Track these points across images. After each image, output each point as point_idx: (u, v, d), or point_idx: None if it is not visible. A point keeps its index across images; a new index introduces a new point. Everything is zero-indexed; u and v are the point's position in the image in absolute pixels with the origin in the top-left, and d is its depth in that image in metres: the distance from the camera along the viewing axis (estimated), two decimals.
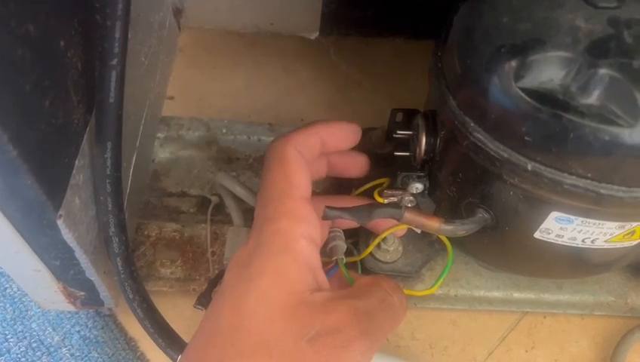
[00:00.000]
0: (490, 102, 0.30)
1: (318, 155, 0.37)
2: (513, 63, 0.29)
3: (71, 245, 0.33)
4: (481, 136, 0.31)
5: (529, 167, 0.30)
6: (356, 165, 0.42)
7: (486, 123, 0.31)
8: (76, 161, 0.31)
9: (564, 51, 0.28)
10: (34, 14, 0.25)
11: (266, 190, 0.34)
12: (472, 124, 0.31)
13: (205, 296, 0.39)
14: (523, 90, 0.29)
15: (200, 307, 0.39)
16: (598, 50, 0.28)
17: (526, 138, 0.29)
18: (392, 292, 0.34)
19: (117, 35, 0.29)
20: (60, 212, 0.30)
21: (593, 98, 0.28)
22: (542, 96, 0.28)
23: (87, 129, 0.33)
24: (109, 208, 0.35)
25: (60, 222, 0.30)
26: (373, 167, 0.42)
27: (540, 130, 0.29)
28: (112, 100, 0.31)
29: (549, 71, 0.28)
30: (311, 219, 0.32)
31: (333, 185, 0.49)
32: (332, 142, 0.38)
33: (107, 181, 0.34)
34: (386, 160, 0.43)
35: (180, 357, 0.37)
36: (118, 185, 0.34)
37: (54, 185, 0.29)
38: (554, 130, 0.28)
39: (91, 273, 0.37)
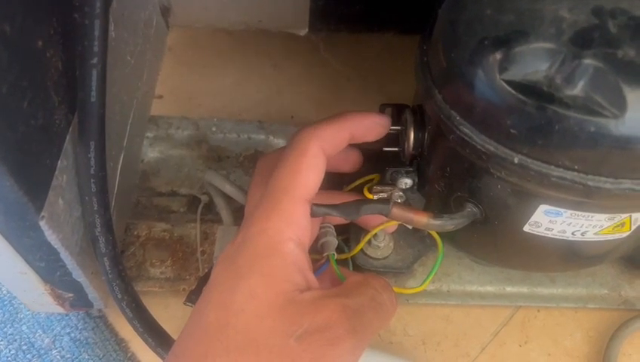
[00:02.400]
0: (475, 96, 0.30)
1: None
2: (497, 55, 0.28)
3: (55, 246, 0.33)
4: (467, 129, 0.31)
5: (515, 160, 0.30)
6: (349, 160, 0.42)
7: (471, 116, 0.31)
8: (59, 162, 0.31)
9: (548, 42, 0.28)
10: (9, 14, 0.25)
11: (271, 180, 0.33)
12: (457, 118, 0.31)
13: (195, 293, 0.39)
14: (507, 82, 0.28)
15: (190, 304, 0.39)
16: (582, 41, 0.28)
17: (512, 131, 0.29)
18: (382, 291, 0.33)
19: (96, 33, 0.29)
20: (43, 213, 0.30)
21: (578, 89, 0.27)
22: (526, 88, 0.28)
23: (70, 129, 0.32)
24: (95, 208, 0.34)
25: (42, 224, 0.30)
26: (364, 162, 0.42)
27: (525, 122, 0.28)
28: (93, 99, 0.31)
29: (533, 62, 0.28)
30: (301, 222, 0.32)
31: (324, 182, 0.49)
32: (361, 136, 0.37)
33: (92, 181, 0.33)
34: (376, 156, 0.42)
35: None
36: (104, 185, 0.34)
37: (35, 186, 0.29)
38: (539, 122, 0.28)
39: (78, 274, 0.37)
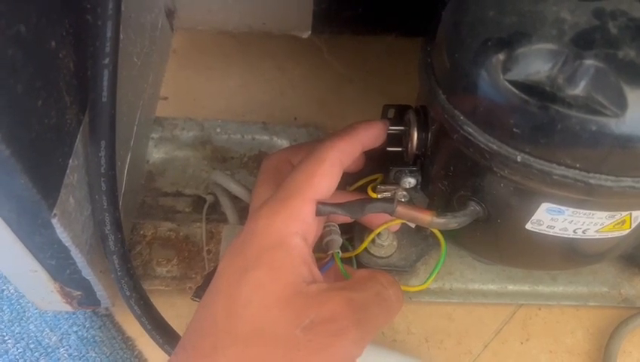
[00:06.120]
0: (479, 96, 0.30)
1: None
2: (500, 56, 0.29)
3: (66, 244, 0.33)
4: (470, 129, 0.31)
5: (518, 159, 0.30)
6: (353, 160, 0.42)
7: (475, 116, 0.31)
8: (70, 161, 0.32)
9: (550, 43, 0.28)
10: (24, 15, 0.26)
11: (284, 182, 0.34)
12: (461, 118, 0.32)
13: (202, 288, 0.39)
14: (510, 82, 0.29)
15: (197, 299, 0.39)
16: (583, 42, 0.28)
17: (515, 130, 0.30)
18: (388, 286, 0.34)
19: (108, 34, 0.29)
20: (55, 211, 0.30)
21: (580, 89, 0.28)
22: (529, 88, 0.29)
23: (81, 129, 0.33)
24: (105, 206, 0.35)
25: (54, 221, 0.31)
26: (367, 163, 0.42)
27: (528, 121, 0.29)
28: (104, 99, 0.31)
29: (535, 63, 0.28)
30: (307, 220, 0.33)
31: None
32: (369, 146, 0.39)
33: (102, 179, 0.34)
34: (379, 156, 0.43)
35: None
36: (113, 184, 0.35)
37: (48, 184, 0.30)
38: (542, 121, 0.29)
39: (87, 272, 0.37)
